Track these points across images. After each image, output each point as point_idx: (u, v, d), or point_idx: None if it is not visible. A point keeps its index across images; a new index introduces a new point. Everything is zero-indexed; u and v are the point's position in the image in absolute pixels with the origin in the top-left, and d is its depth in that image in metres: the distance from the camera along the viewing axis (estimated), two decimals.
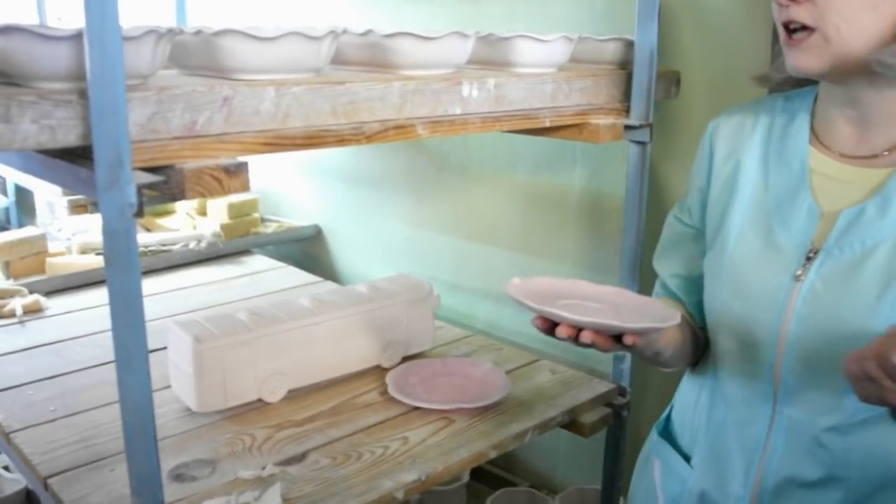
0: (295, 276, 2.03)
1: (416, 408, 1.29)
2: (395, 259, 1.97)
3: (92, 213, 2.20)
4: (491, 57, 1.16)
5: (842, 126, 0.86)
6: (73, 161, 0.77)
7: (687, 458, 1.00)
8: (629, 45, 1.26)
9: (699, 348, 1.01)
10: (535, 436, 1.27)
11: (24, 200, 2.60)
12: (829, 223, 0.84)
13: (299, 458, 1.15)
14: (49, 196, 2.24)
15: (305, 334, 1.33)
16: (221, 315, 1.32)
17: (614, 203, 1.50)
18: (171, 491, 1.05)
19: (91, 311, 1.73)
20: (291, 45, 0.89)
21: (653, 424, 1.10)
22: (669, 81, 1.36)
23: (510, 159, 1.69)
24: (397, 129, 0.99)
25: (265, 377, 1.29)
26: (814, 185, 0.87)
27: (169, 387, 1.31)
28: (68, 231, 2.09)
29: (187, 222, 2.25)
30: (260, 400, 1.30)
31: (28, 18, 2.39)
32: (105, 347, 1.46)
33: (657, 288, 1.07)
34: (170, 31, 0.82)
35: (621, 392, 1.40)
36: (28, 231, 1.96)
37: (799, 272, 0.84)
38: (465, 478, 1.73)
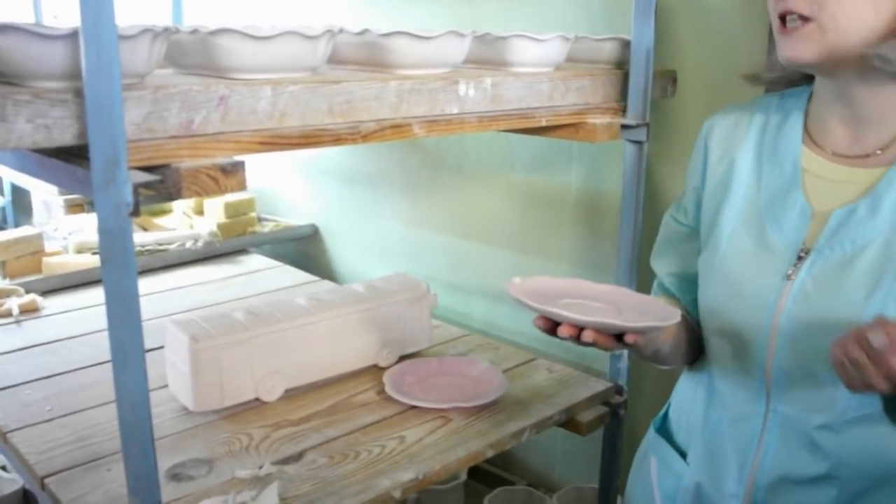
0: (292, 275, 2.03)
1: (413, 407, 1.29)
2: (392, 258, 1.97)
3: (88, 212, 2.19)
4: (487, 56, 1.16)
5: (835, 125, 0.86)
6: (69, 160, 0.77)
7: (683, 455, 1.01)
8: (626, 44, 1.26)
9: (697, 346, 1.01)
10: (532, 434, 1.27)
11: (21, 200, 2.60)
12: (820, 223, 0.84)
13: (296, 457, 1.15)
14: (45, 195, 2.24)
15: (302, 333, 1.33)
16: (218, 314, 1.32)
17: (611, 202, 1.50)
18: (168, 490, 1.04)
19: (88, 310, 1.73)
20: (288, 44, 0.89)
21: (650, 422, 1.11)
22: (666, 81, 1.36)
23: (507, 159, 1.69)
24: (394, 129, 0.99)
25: (262, 376, 1.29)
26: (806, 185, 0.87)
27: (166, 386, 1.31)
28: (65, 230, 2.08)
29: (184, 221, 2.24)
30: (257, 399, 1.30)
31: (24, 17, 2.39)
32: (102, 347, 1.45)
33: (655, 287, 1.07)
34: (166, 29, 0.82)
35: (618, 391, 1.40)
36: (24, 230, 1.96)
37: (790, 272, 0.84)
38: (463, 477, 1.73)
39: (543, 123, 1.18)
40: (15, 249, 1.86)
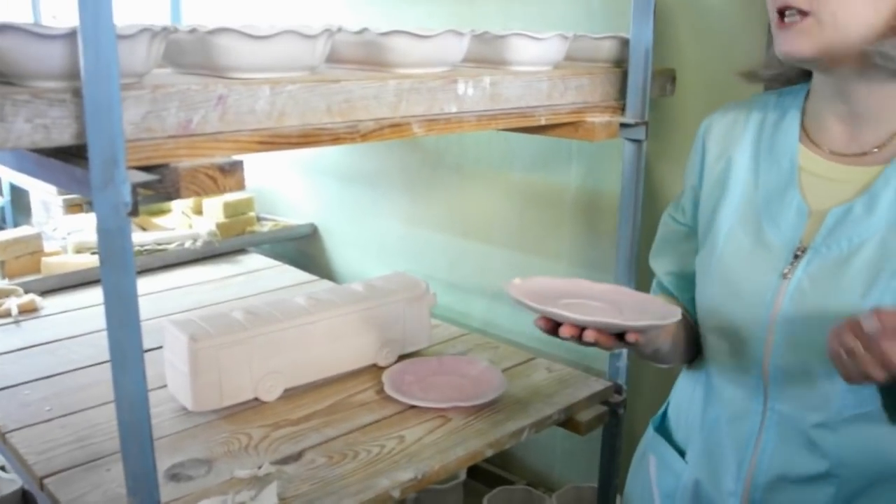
0: (291, 274, 2.03)
1: (413, 406, 1.29)
2: (392, 257, 1.97)
3: (87, 212, 2.20)
4: (486, 55, 1.16)
5: (833, 123, 0.86)
6: (67, 160, 0.77)
7: (682, 454, 1.01)
8: (625, 43, 1.26)
9: (696, 345, 1.01)
10: (531, 434, 1.27)
11: (20, 200, 2.60)
12: (817, 221, 0.84)
13: (295, 457, 1.15)
14: (44, 195, 2.24)
15: (301, 333, 1.33)
16: (217, 314, 1.32)
17: (610, 201, 1.50)
18: (167, 490, 1.04)
19: (86, 310, 1.73)
20: (286, 43, 0.89)
21: (649, 421, 1.11)
22: (665, 79, 1.36)
23: (506, 157, 1.69)
24: (393, 128, 0.99)
25: (261, 376, 1.29)
26: (803, 184, 0.87)
27: (165, 386, 1.31)
28: (63, 230, 2.08)
29: (183, 221, 2.24)
30: (256, 399, 1.30)
31: (22, 17, 2.38)
32: (101, 347, 1.45)
33: (654, 286, 1.07)
34: (164, 29, 0.82)
35: (617, 390, 1.40)
36: (23, 230, 1.96)
37: (786, 270, 0.84)
38: (462, 476, 1.73)
39: (542, 122, 1.18)
40: (14, 249, 1.86)
